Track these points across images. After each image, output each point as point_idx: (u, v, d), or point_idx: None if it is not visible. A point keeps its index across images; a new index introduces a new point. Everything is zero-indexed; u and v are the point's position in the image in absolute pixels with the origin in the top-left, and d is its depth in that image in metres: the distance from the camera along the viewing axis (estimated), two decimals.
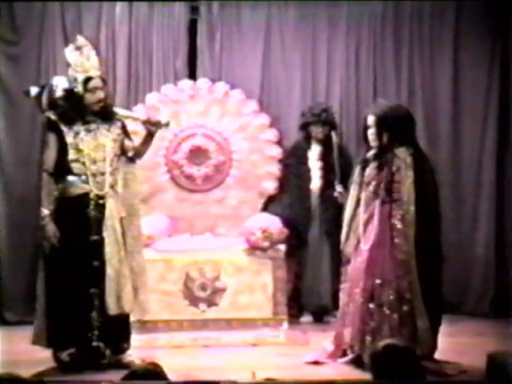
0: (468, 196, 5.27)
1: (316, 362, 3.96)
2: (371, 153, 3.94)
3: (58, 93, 3.95)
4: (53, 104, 3.96)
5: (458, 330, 4.56)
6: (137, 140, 4.14)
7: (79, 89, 3.90)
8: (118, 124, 4.03)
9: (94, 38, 4.20)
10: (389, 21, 5.28)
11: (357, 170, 3.98)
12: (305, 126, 5.04)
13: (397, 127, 3.88)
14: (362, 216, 3.89)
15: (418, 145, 3.99)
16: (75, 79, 3.91)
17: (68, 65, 3.98)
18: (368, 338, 3.75)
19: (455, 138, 5.27)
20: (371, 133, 3.89)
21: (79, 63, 3.92)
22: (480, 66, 5.23)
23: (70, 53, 3.96)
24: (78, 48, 3.95)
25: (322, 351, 4.02)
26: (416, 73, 5.28)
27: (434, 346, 3.82)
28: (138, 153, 4.08)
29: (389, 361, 2.58)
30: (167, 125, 4.06)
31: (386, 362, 2.58)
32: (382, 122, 3.86)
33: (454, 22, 5.24)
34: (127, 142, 4.05)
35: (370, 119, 3.90)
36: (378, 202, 3.86)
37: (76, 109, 3.91)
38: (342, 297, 3.98)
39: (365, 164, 3.94)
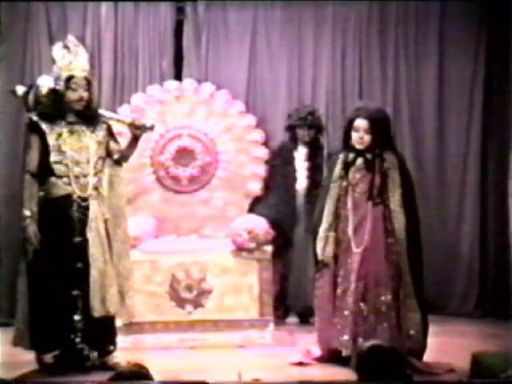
0: (453, 196, 5.30)
1: (301, 363, 3.96)
2: (352, 155, 3.93)
3: (43, 92, 3.93)
4: (38, 103, 3.94)
5: (443, 330, 4.58)
6: (122, 141, 4.12)
7: (61, 86, 3.88)
8: (104, 126, 4.00)
9: (79, 38, 4.17)
10: (374, 22, 5.30)
11: (336, 174, 3.94)
12: (291, 128, 5.04)
13: (385, 130, 3.91)
14: (351, 219, 3.88)
15: (396, 146, 4.05)
16: (58, 77, 3.89)
17: (53, 63, 3.97)
18: (360, 340, 3.76)
19: (440, 138, 5.30)
20: (359, 136, 3.87)
21: (65, 61, 3.90)
22: (465, 66, 5.27)
23: (57, 50, 3.94)
24: (67, 47, 3.93)
25: (308, 354, 4.03)
26: (401, 73, 5.30)
27: (424, 343, 3.84)
28: (124, 155, 4.06)
29: (374, 362, 2.59)
30: (152, 128, 4.04)
31: (372, 362, 2.59)
32: (376, 126, 3.86)
33: (438, 22, 5.27)
34: (113, 145, 4.03)
35: (362, 123, 3.86)
36: (369, 205, 3.87)
37: (56, 106, 3.88)
38: (321, 302, 3.96)
39: (347, 166, 3.93)
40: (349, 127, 3.92)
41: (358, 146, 3.89)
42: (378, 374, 2.55)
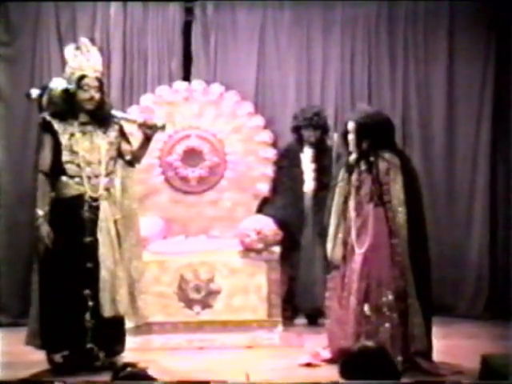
0: (462, 198, 5.28)
1: (309, 364, 3.96)
2: (354, 157, 3.96)
3: (56, 93, 3.95)
4: (51, 104, 3.96)
5: (452, 332, 4.57)
6: (133, 141, 4.12)
7: (72, 85, 3.89)
8: (116, 127, 4.01)
9: (88, 39, 4.18)
10: (383, 23, 5.29)
11: (341, 175, 3.99)
12: (297, 129, 5.04)
13: (376, 134, 3.91)
14: (354, 221, 3.90)
15: (398, 147, 4.06)
16: (70, 77, 3.92)
17: (65, 63, 3.99)
18: (362, 340, 3.76)
19: (449, 140, 5.29)
20: (351, 138, 3.94)
21: (77, 62, 3.92)
22: (474, 66, 5.26)
23: (69, 51, 3.97)
24: (79, 48, 3.96)
25: (316, 355, 4.02)
26: (410, 75, 5.30)
27: (429, 345, 3.84)
28: (136, 156, 4.06)
29: (359, 363, 2.55)
30: (163, 128, 4.05)
31: (357, 364, 2.55)
32: (361, 130, 3.90)
33: (448, 23, 5.26)
34: (124, 146, 4.04)
35: (350, 125, 3.94)
36: (371, 206, 3.89)
37: (68, 105, 3.90)
38: (331, 303, 3.97)
39: (350, 169, 3.96)
40: (345, 130, 3.99)
41: (351, 149, 3.95)
42: (364, 376, 2.52)
